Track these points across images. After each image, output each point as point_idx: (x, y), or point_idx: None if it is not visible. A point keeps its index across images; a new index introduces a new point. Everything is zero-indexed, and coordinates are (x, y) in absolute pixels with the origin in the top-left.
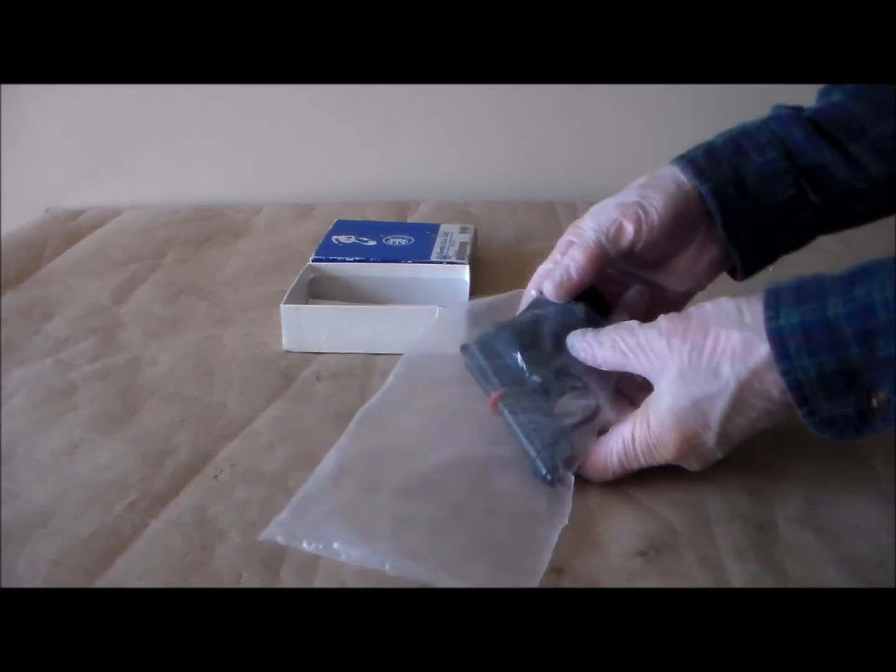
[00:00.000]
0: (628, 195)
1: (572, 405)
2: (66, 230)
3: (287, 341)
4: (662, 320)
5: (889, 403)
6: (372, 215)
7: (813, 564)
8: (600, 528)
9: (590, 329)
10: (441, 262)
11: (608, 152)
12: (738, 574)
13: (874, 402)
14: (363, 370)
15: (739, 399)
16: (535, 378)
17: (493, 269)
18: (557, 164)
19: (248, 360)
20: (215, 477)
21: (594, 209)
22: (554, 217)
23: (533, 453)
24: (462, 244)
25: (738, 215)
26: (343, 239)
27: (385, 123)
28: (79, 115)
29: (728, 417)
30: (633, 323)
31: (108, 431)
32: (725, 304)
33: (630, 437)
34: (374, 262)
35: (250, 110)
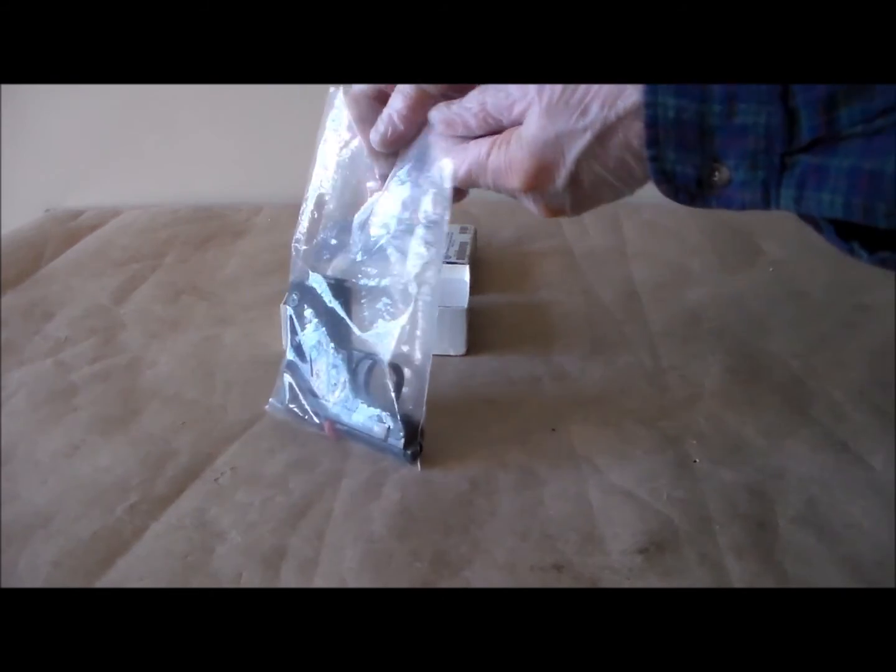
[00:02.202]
0: None
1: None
2: (66, 230)
3: (287, 341)
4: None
5: (728, 184)
6: None
7: (813, 564)
8: (601, 526)
9: (449, 101)
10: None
11: None
12: (738, 573)
13: (715, 175)
14: None
15: (600, 140)
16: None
17: (493, 269)
18: None
19: (249, 360)
20: (216, 480)
21: None
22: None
23: (390, 448)
24: (462, 244)
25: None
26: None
27: None
28: (79, 115)
29: (585, 156)
30: (495, 86)
31: (109, 433)
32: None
33: (486, 153)
34: None
35: (250, 110)
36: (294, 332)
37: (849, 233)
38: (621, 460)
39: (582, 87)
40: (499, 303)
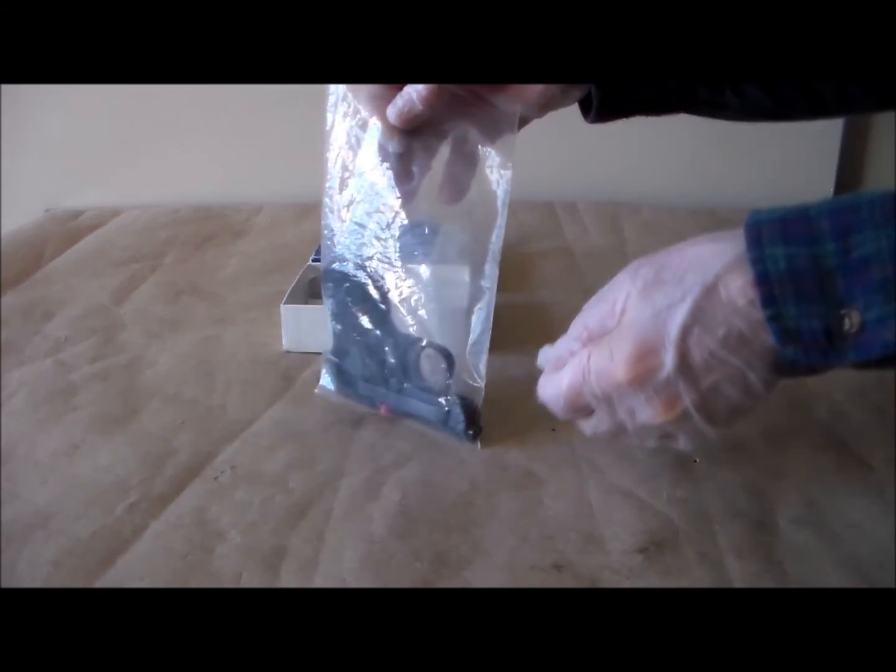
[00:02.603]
0: None
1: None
2: (66, 230)
3: (287, 341)
4: (630, 264)
5: (863, 329)
6: None
7: (813, 564)
8: (601, 525)
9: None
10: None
11: (608, 152)
12: (738, 573)
13: (846, 323)
14: None
15: (702, 308)
16: (391, 359)
17: None
18: (557, 163)
19: (249, 360)
20: (216, 479)
21: None
22: (554, 217)
23: (450, 430)
24: (462, 244)
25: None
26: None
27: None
28: (79, 115)
29: (688, 329)
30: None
31: (109, 433)
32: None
33: (587, 356)
34: None
35: (250, 110)
36: (336, 320)
37: None
38: (621, 460)
39: (675, 260)
40: (499, 303)
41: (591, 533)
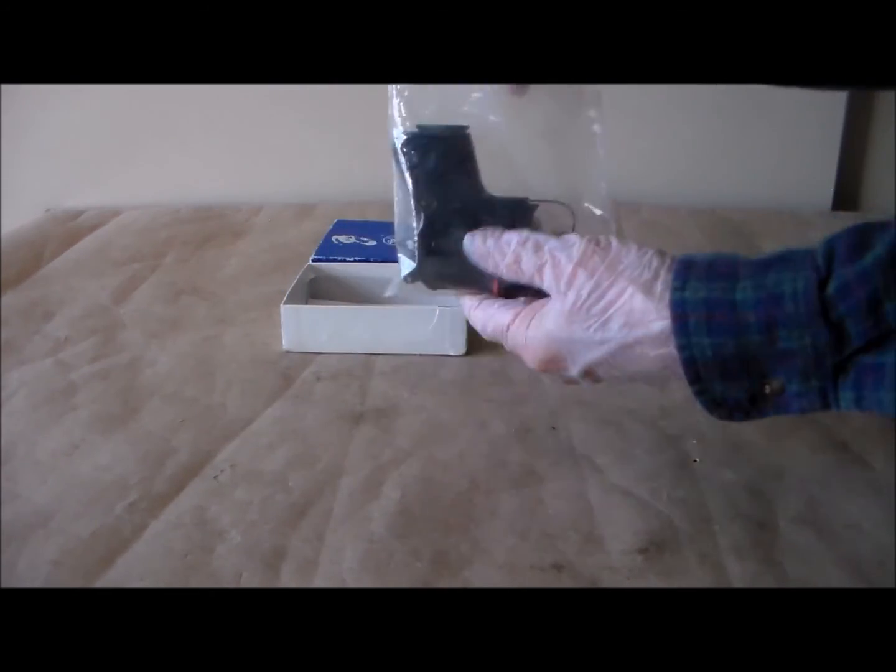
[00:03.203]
0: None
1: None
2: (66, 230)
3: (287, 341)
4: (578, 244)
5: (783, 392)
6: (372, 215)
7: (813, 564)
8: (601, 525)
9: (491, 230)
10: None
11: (608, 151)
12: (738, 573)
13: (767, 389)
14: (363, 370)
15: (614, 356)
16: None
17: None
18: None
19: (248, 360)
20: (215, 478)
21: None
22: None
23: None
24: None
25: None
26: (343, 239)
27: (385, 123)
28: (79, 115)
29: (598, 364)
30: (542, 238)
31: (109, 432)
32: (647, 258)
33: (507, 325)
34: (374, 262)
35: (250, 110)
36: (423, 197)
37: None
38: (621, 459)
39: (609, 296)
40: None
41: (591, 532)
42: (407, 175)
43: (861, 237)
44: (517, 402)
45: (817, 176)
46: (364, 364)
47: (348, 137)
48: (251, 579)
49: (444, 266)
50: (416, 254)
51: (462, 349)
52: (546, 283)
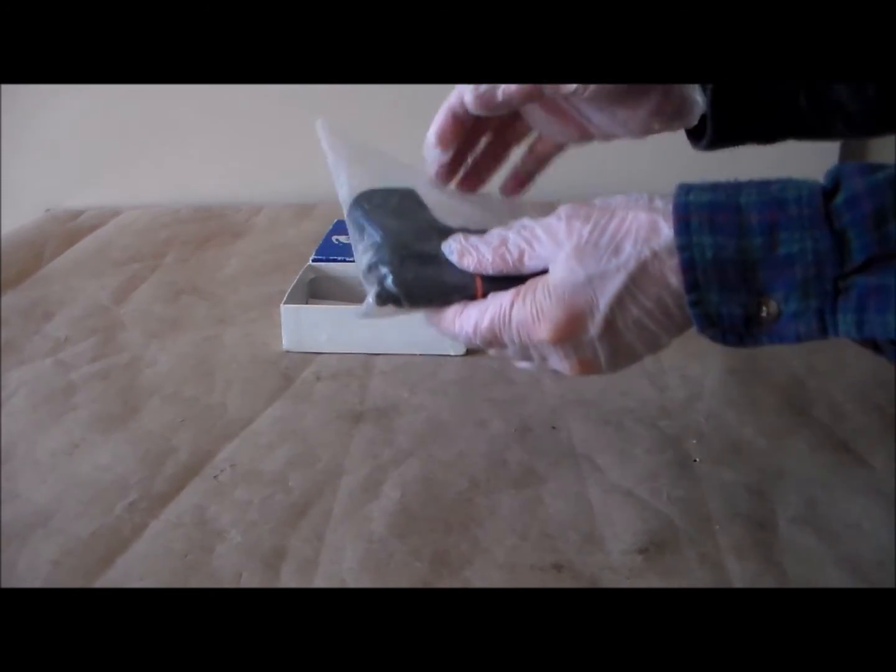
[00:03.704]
0: None
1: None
2: (66, 230)
3: (287, 341)
4: (563, 208)
5: (778, 317)
6: None
7: (813, 564)
8: (601, 525)
9: (471, 232)
10: None
11: (609, 151)
12: (739, 573)
13: (763, 311)
14: (363, 370)
15: (636, 280)
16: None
17: None
18: (557, 162)
19: (248, 360)
20: (215, 477)
21: None
22: None
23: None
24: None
25: (728, 87)
26: (343, 239)
27: (385, 123)
28: (79, 115)
29: (620, 300)
30: (524, 219)
31: (109, 432)
32: (636, 194)
33: (509, 304)
34: None
35: (250, 110)
36: (380, 233)
37: None
38: (621, 459)
39: (613, 225)
40: None
41: (591, 532)
42: (366, 222)
43: (870, 166)
44: (517, 401)
45: (817, 176)
46: (364, 364)
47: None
48: (251, 579)
49: (419, 277)
50: (389, 270)
51: (462, 349)
52: (540, 250)
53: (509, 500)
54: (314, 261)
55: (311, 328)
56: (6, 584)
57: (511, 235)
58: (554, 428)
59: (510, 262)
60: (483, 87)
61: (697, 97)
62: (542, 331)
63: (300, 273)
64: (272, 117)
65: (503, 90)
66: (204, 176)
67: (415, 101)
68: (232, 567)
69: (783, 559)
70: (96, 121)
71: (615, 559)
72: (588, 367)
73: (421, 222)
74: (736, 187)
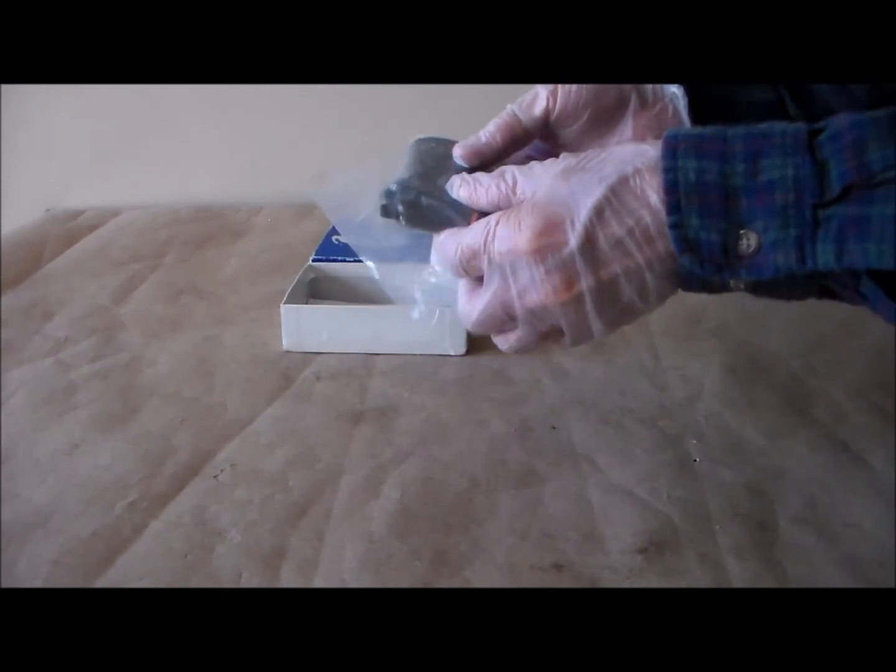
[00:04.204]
0: None
1: None
2: (66, 230)
3: (287, 341)
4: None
5: (758, 252)
6: None
7: (813, 564)
8: (601, 525)
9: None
10: None
11: None
12: (739, 573)
13: (743, 242)
14: (363, 370)
15: (616, 192)
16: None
17: None
18: None
19: (248, 360)
20: (215, 477)
21: None
22: None
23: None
24: None
25: (708, 105)
26: (343, 239)
27: (385, 123)
28: (79, 115)
29: (599, 210)
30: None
31: (109, 431)
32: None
33: (494, 221)
34: None
35: (250, 110)
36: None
37: None
38: (621, 459)
39: (602, 154)
40: None
41: (591, 532)
42: (407, 157)
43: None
44: (517, 401)
45: None
46: (364, 364)
47: (348, 137)
48: (251, 579)
49: (421, 204)
50: (398, 190)
51: (462, 349)
52: (532, 178)
53: (509, 500)
54: (314, 261)
55: (311, 328)
56: (6, 584)
57: (509, 168)
58: (554, 428)
59: (504, 191)
60: (470, 140)
61: (681, 108)
62: (522, 240)
63: (300, 273)
64: (272, 117)
65: (484, 134)
66: (204, 176)
67: (415, 101)
68: (232, 567)
69: (783, 559)
70: (96, 121)
71: (615, 559)
72: (568, 286)
73: (446, 165)
74: (725, 126)
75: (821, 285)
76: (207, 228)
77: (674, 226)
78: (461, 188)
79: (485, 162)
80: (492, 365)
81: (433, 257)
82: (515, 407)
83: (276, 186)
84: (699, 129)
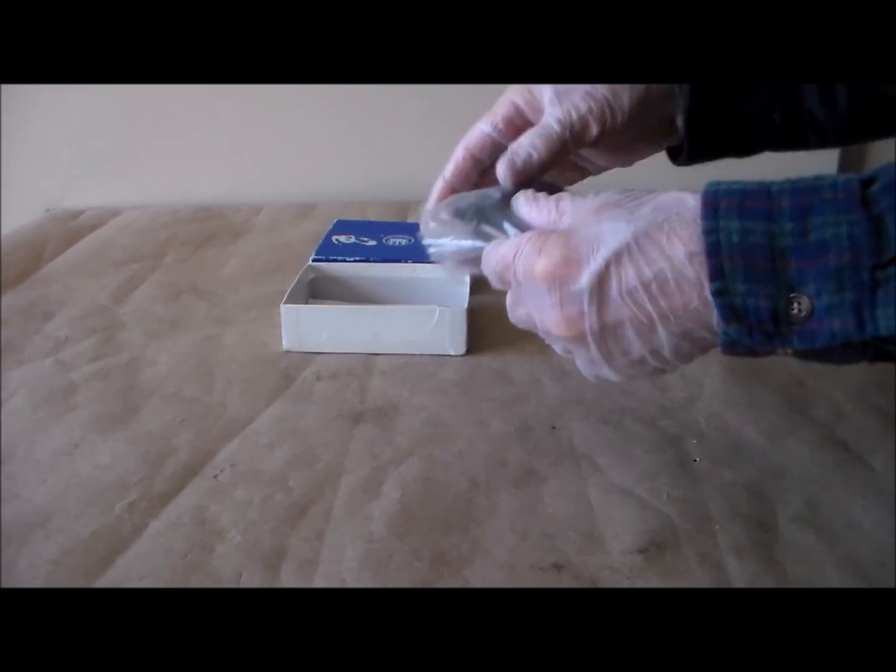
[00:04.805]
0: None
1: None
2: (66, 230)
3: (287, 341)
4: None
5: (811, 315)
6: (372, 215)
7: (813, 564)
8: (601, 525)
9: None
10: None
11: None
12: (739, 573)
13: (794, 307)
14: (363, 370)
15: (639, 241)
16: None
17: None
18: None
19: (248, 360)
20: (215, 477)
21: (559, 90)
22: None
23: None
24: None
25: (704, 105)
26: (343, 239)
27: (385, 123)
28: (79, 115)
29: (618, 257)
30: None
31: (109, 431)
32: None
33: (527, 238)
34: (374, 262)
35: (250, 110)
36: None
37: None
38: (621, 459)
39: (646, 195)
40: (499, 303)
41: (591, 532)
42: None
43: None
44: (517, 401)
45: None
46: (364, 364)
47: (348, 137)
48: (251, 579)
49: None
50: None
51: (462, 349)
52: (578, 206)
53: (509, 499)
54: (314, 261)
55: (311, 328)
56: (6, 584)
57: (566, 195)
58: (554, 428)
59: (553, 216)
60: (520, 161)
61: (677, 116)
62: (539, 266)
63: (300, 273)
64: (272, 117)
65: (538, 160)
66: (204, 176)
67: (415, 101)
68: (232, 567)
69: (783, 559)
70: (96, 121)
71: (615, 559)
72: (572, 324)
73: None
74: (768, 182)
75: (876, 349)
76: (207, 228)
77: (718, 293)
78: (524, 206)
79: (525, 181)
80: (492, 365)
81: (482, 265)
82: (515, 407)
83: (276, 186)
84: (741, 185)
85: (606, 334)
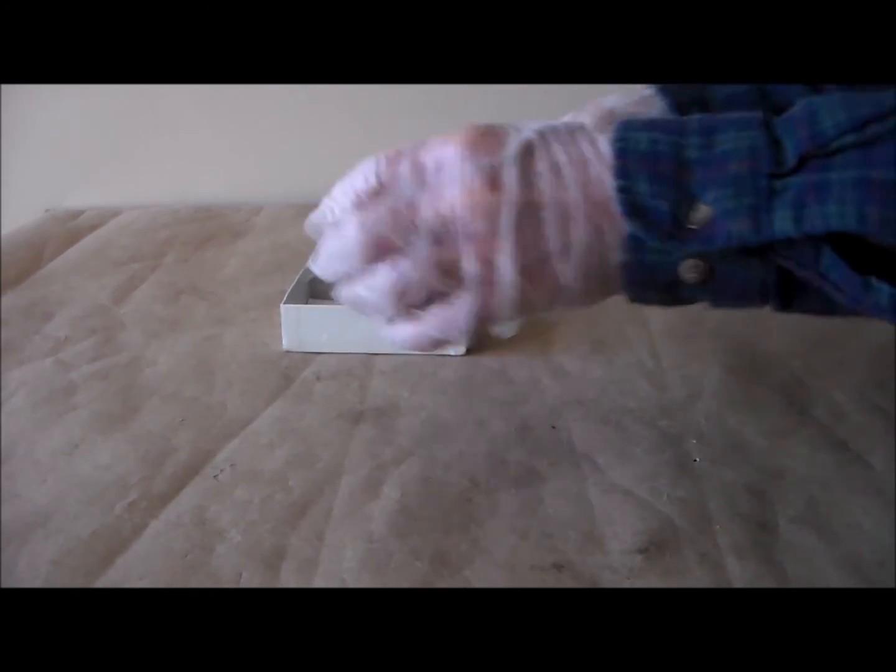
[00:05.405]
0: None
1: None
2: (66, 230)
3: (287, 341)
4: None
5: (710, 222)
6: None
7: (813, 564)
8: (601, 525)
9: None
10: None
11: None
12: (739, 573)
13: (694, 211)
14: (363, 370)
15: (563, 127)
16: None
17: None
18: None
19: (248, 360)
20: (215, 477)
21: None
22: None
23: None
24: None
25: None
26: None
27: (385, 123)
28: (79, 115)
29: (543, 135)
30: None
31: (109, 431)
32: None
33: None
34: None
35: (250, 110)
36: None
37: (862, 266)
38: (621, 459)
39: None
40: None
41: (591, 532)
42: None
43: None
44: (517, 401)
45: None
46: (364, 364)
47: (348, 137)
48: (251, 579)
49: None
50: None
51: (462, 349)
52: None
53: (509, 499)
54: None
55: (311, 328)
56: (6, 584)
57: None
58: (554, 428)
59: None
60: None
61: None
62: (455, 139)
63: (300, 273)
64: (272, 117)
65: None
66: (204, 176)
67: (415, 101)
68: (232, 567)
69: (783, 559)
70: (96, 121)
71: (615, 559)
72: (491, 189)
73: None
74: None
75: (778, 282)
76: (207, 228)
77: (622, 189)
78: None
79: None
80: (492, 365)
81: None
82: (515, 407)
83: (276, 186)
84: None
85: (523, 211)
